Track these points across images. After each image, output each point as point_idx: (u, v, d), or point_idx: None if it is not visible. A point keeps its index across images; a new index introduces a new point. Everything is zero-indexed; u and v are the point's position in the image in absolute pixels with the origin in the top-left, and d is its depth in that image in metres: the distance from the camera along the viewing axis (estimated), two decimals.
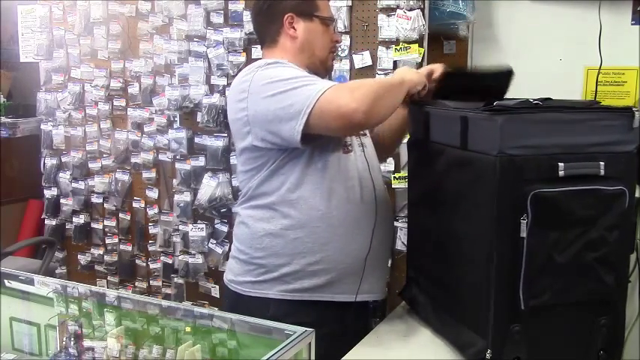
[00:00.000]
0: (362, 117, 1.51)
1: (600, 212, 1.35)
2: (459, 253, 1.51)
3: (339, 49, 2.62)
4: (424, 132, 1.66)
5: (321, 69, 1.80)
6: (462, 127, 1.44)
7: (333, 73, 2.16)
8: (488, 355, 1.37)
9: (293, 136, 1.56)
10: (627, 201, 1.37)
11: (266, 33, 1.81)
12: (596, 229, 1.35)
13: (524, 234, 1.31)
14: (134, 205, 3.40)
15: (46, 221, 3.70)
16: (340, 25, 2.63)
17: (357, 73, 2.66)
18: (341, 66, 2.64)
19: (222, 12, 2.97)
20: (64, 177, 3.60)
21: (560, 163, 1.32)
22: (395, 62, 2.57)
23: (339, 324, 1.68)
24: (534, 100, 1.40)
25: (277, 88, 1.58)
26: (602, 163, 1.35)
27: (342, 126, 1.56)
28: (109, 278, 3.55)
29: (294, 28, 1.75)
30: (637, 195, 1.44)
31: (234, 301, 1.77)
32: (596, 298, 1.41)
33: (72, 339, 1.44)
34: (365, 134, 1.84)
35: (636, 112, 1.39)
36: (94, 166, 3.50)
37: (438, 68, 1.73)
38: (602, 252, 1.37)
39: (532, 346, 1.37)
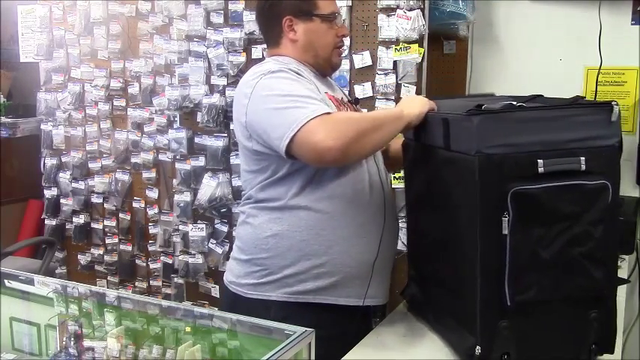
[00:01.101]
0: (336, 155, 1.48)
1: (584, 207, 1.36)
2: (449, 252, 1.53)
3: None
4: (414, 134, 1.69)
5: (327, 67, 1.80)
6: (444, 128, 1.47)
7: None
8: (477, 352, 1.38)
9: (280, 152, 1.55)
10: (611, 195, 1.38)
11: (268, 34, 1.80)
12: (580, 224, 1.36)
13: (506, 231, 1.33)
14: (134, 205, 3.40)
15: (46, 221, 3.70)
16: None
17: (357, 73, 2.66)
18: (341, 66, 2.64)
19: (222, 12, 2.97)
20: (64, 177, 3.60)
21: (539, 160, 1.33)
22: (395, 62, 2.58)
23: (341, 327, 1.67)
24: (519, 102, 1.41)
25: (271, 103, 1.57)
26: (582, 158, 1.35)
27: (316, 161, 1.55)
28: (109, 278, 3.55)
29: (294, 30, 1.73)
30: (637, 195, 1.44)
31: (233, 303, 1.75)
32: (585, 292, 1.41)
33: (72, 339, 1.44)
34: None
35: (615, 107, 1.39)
36: (94, 166, 3.50)
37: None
38: (587, 247, 1.37)
39: (522, 342, 1.38)
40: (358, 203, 1.69)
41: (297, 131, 1.48)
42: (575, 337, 1.43)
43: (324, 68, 1.79)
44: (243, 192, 1.81)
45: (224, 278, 1.83)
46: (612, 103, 1.39)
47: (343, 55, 2.63)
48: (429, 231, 1.66)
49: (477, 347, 1.38)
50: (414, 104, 1.65)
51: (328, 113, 1.51)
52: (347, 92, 2.01)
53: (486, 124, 1.34)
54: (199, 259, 3.14)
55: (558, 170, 1.34)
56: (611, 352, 1.46)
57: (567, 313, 1.42)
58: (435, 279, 1.65)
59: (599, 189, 1.36)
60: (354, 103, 1.87)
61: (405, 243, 2.07)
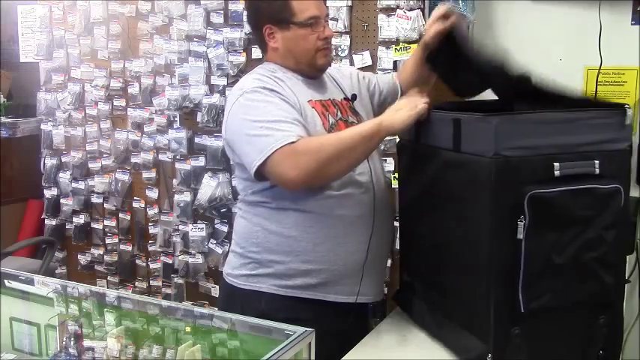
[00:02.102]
0: (298, 185, 1.59)
1: (597, 211, 1.35)
2: (455, 257, 1.49)
3: (339, 49, 2.61)
4: (414, 134, 1.64)
5: (312, 71, 1.78)
6: (454, 129, 1.44)
7: None
8: (489, 359, 1.36)
9: (251, 174, 1.63)
10: (623, 199, 1.37)
11: (257, 42, 1.86)
12: (593, 228, 1.35)
13: (521, 236, 1.30)
14: (134, 205, 3.40)
15: (46, 221, 3.70)
16: (340, 25, 2.62)
17: None
18: (341, 66, 2.64)
19: (222, 12, 2.97)
20: (64, 177, 3.60)
21: (555, 163, 1.32)
22: (395, 62, 2.57)
23: (334, 323, 1.68)
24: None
25: (244, 128, 1.63)
26: (596, 161, 1.35)
27: (283, 188, 1.63)
28: (109, 278, 3.55)
29: (274, 38, 1.74)
30: (637, 195, 1.44)
31: (229, 294, 1.80)
32: (596, 298, 1.40)
33: (72, 339, 1.44)
34: None
35: (628, 110, 1.38)
36: (94, 166, 3.50)
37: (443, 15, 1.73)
38: (600, 251, 1.36)
39: (533, 349, 1.36)
40: (345, 204, 1.70)
41: (264, 161, 1.56)
42: (584, 344, 1.42)
43: (309, 72, 1.78)
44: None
45: (223, 271, 1.87)
46: (625, 106, 1.39)
47: (343, 55, 2.63)
48: (430, 235, 1.62)
49: (489, 355, 1.36)
50: (398, 115, 1.60)
51: (292, 142, 1.55)
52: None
53: (505, 125, 1.31)
54: (199, 259, 3.14)
55: (573, 174, 1.32)
56: (617, 358, 1.46)
57: (577, 319, 1.41)
58: (435, 283, 1.62)
59: (612, 193, 1.35)
60: (352, 99, 1.86)
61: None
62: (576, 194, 1.32)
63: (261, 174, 1.61)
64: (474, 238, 1.39)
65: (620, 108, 1.39)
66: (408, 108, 1.60)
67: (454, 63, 1.73)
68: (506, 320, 1.35)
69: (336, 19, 2.61)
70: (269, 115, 1.61)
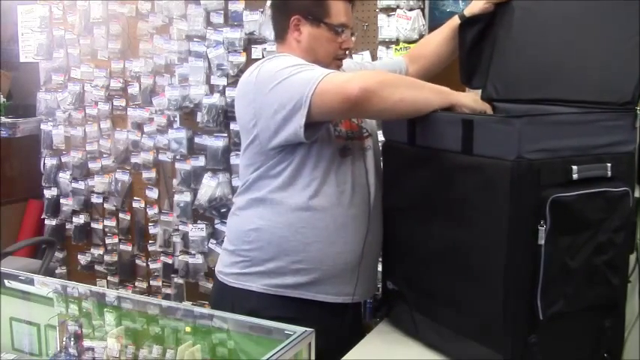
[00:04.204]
0: (361, 93, 1.48)
1: (608, 214, 1.33)
2: (464, 264, 1.43)
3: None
4: (408, 135, 1.58)
5: None
6: (464, 130, 1.39)
7: None
8: None
9: (297, 130, 1.56)
10: (630, 202, 1.36)
11: (276, 27, 1.80)
12: (603, 231, 1.33)
13: (542, 241, 1.27)
14: (134, 205, 3.41)
15: (46, 221, 3.70)
16: None
17: None
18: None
19: (222, 12, 2.97)
20: (64, 177, 3.60)
21: (573, 166, 1.29)
22: None
23: (323, 323, 1.65)
24: None
25: (278, 78, 1.58)
26: (609, 164, 1.33)
27: (341, 102, 1.52)
28: (109, 278, 3.55)
29: (299, 30, 1.73)
30: (637, 195, 1.44)
31: (220, 292, 1.80)
32: (604, 300, 1.39)
33: (72, 339, 1.44)
34: (369, 135, 1.80)
35: (639, 112, 1.38)
36: (94, 166, 3.51)
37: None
38: (610, 255, 1.35)
39: (547, 355, 1.34)
40: (339, 204, 1.69)
41: (317, 85, 1.52)
42: (591, 347, 1.40)
43: None
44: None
45: (215, 268, 1.87)
46: (636, 108, 1.38)
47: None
48: (428, 241, 1.54)
49: None
50: (467, 96, 1.61)
51: None
52: None
53: (528, 127, 1.28)
54: (199, 259, 3.14)
55: (589, 177, 1.31)
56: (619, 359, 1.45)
57: (586, 323, 1.39)
58: (437, 293, 1.54)
59: (622, 196, 1.35)
60: None
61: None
62: (591, 198, 1.30)
63: (310, 114, 1.54)
64: (487, 244, 1.35)
65: (631, 110, 1.38)
66: (476, 99, 1.61)
67: (484, 45, 1.80)
68: (523, 328, 1.32)
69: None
70: (303, 62, 1.63)
